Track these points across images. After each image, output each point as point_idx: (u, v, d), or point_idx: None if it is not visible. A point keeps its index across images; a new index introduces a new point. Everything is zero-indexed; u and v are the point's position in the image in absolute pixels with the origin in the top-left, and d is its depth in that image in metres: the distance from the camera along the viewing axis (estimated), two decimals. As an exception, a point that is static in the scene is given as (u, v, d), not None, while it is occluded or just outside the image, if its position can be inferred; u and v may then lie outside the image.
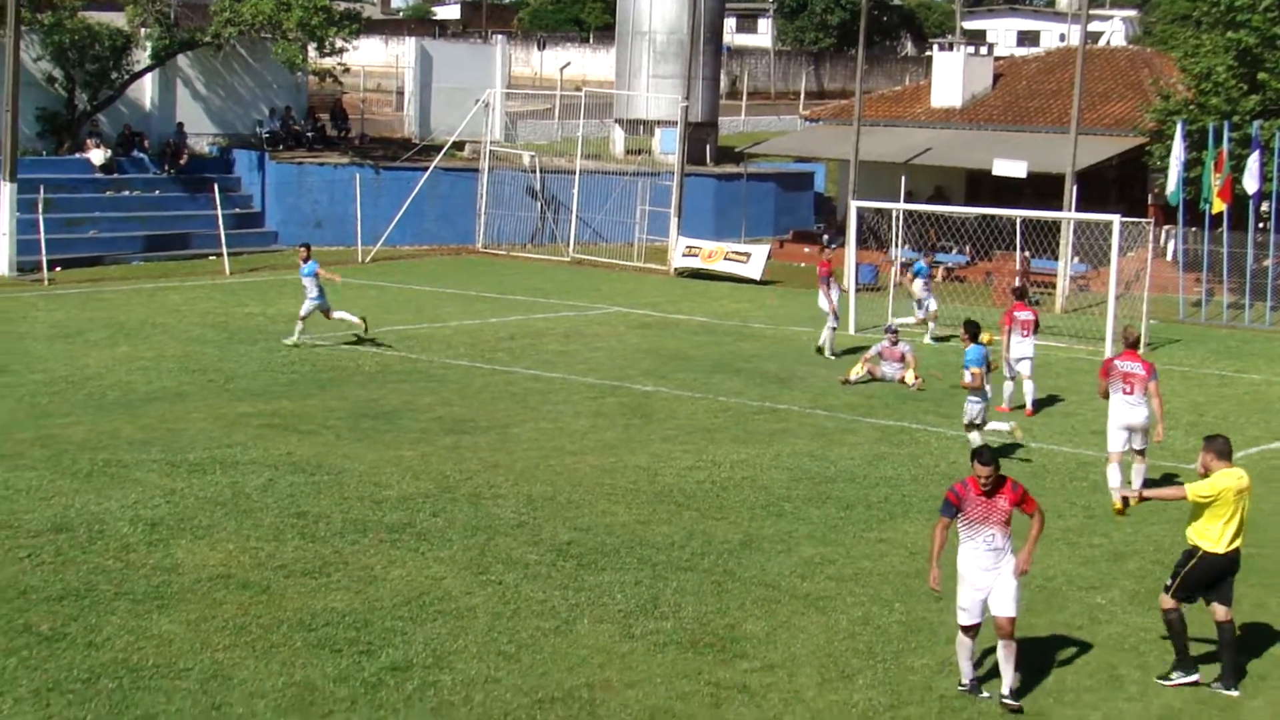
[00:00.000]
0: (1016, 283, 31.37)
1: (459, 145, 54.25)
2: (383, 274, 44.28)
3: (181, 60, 51.69)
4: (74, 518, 17.90)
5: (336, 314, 31.11)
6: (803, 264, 49.55)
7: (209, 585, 15.61)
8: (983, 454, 13.48)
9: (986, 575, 13.41)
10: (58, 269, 42.64)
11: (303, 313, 31.08)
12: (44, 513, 18.07)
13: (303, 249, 31.93)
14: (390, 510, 18.78)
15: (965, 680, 13.62)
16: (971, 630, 13.53)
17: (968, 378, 22.38)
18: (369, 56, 57.84)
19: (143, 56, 50.46)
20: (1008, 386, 26.91)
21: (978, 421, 22.49)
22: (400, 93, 61.89)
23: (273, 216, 50.95)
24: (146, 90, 51.68)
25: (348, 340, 31.46)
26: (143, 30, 50.02)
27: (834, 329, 32.42)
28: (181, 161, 50.34)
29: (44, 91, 48.95)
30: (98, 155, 48.80)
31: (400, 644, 14.17)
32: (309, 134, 53.76)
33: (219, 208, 46.06)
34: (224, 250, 45.42)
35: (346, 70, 53.25)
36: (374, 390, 26.37)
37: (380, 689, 13.12)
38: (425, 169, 51.49)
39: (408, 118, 58.17)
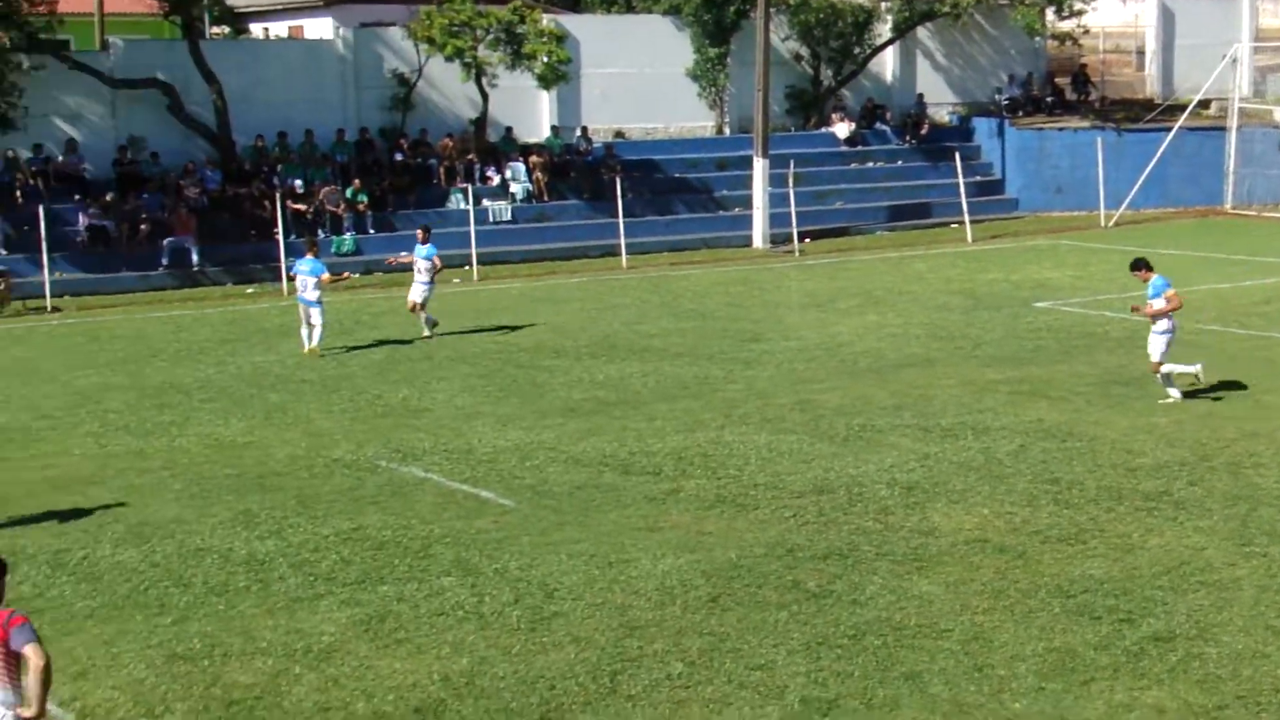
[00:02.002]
0: None
1: (1204, 103, 52.31)
2: (1125, 238, 43.36)
3: (921, 32, 52.42)
4: (834, 480, 18.56)
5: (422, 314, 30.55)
6: None
7: (966, 549, 15.81)
8: None
9: None
10: (807, 240, 44.27)
11: (417, 299, 30.65)
12: (805, 475, 18.83)
13: (420, 232, 31.49)
14: (1145, 478, 18.41)
15: None
16: None
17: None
18: (1106, 17, 56.68)
19: (883, 30, 51.56)
20: None
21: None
22: (1140, 52, 60.23)
23: (1012, 183, 50.89)
24: (888, 63, 52.75)
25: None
26: (883, 5, 51.13)
27: None
28: (922, 132, 51.13)
29: (791, 69, 50.90)
30: (842, 129, 50.28)
31: (1161, 614, 13.88)
32: (1048, 99, 53.31)
33: (960, 176, 46.48)
34: (965, 218, 45.78)
35: (1086, 32, 52.41)
36: (1123, 356, 25.89)
37: (1142, 658, 12.89)
38: (1169, 129, 49.95)
39: (1149, 77, 56.60)
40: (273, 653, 13.19)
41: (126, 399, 24.93)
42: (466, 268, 40.84)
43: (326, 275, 28.93)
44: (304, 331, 28.88)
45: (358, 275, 40.43)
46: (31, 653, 9.04)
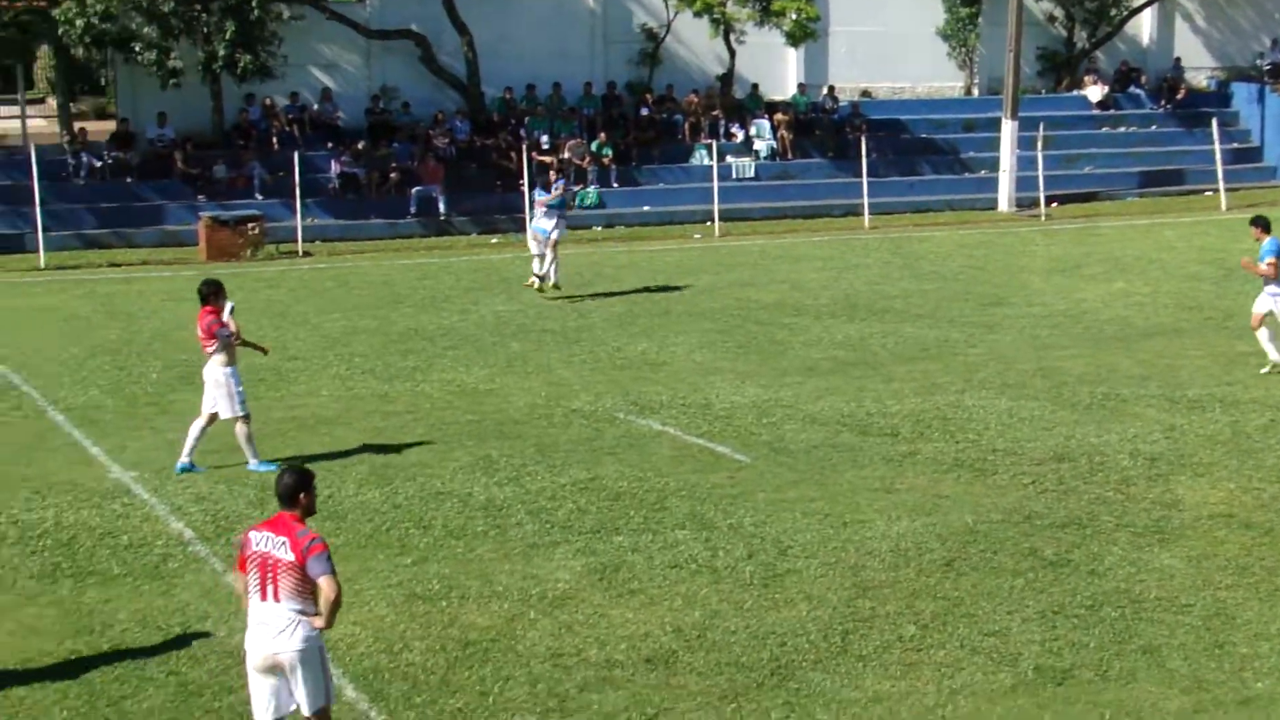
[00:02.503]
0: None
1: None
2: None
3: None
4: (1074, 448, 18.24)
5: None
6: None
7: (1209, 523, 15.42)
8: None
9: None
10: (1054, 204, 43.48)
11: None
12: (1046, 442, 18.54)
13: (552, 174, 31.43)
14: (1403, 459, 17.76)
15: None
16: None
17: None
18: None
19: (1145, -9, 50.34)
20: None
21: None
22: None
23: (1271, 151, 49.29)
24: (1144, 25, 51.48)
25: None
26: (1143, -35, 49.87)
27: None
28: (1178, 96, 49.80)
29: (1044, 30, 49.98)
30: (1095, 92, 49.23)
31: None
32: (1313, 64, 51.56)
33: (1216, 142, 45.15)
34: (1220, 185, 44.49)
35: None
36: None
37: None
38: None
39: None
40: (509, 597, 13.42)
41: (372, 343, 25.52)
42: (708, 224, 40.96)
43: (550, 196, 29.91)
44: (536, 264, 29.82)
45: (600, 229, 40.81)
46: (325, 585, 9.47)
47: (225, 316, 17.44)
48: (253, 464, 17.56)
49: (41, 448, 18.84)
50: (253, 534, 9.71)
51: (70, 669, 11.88)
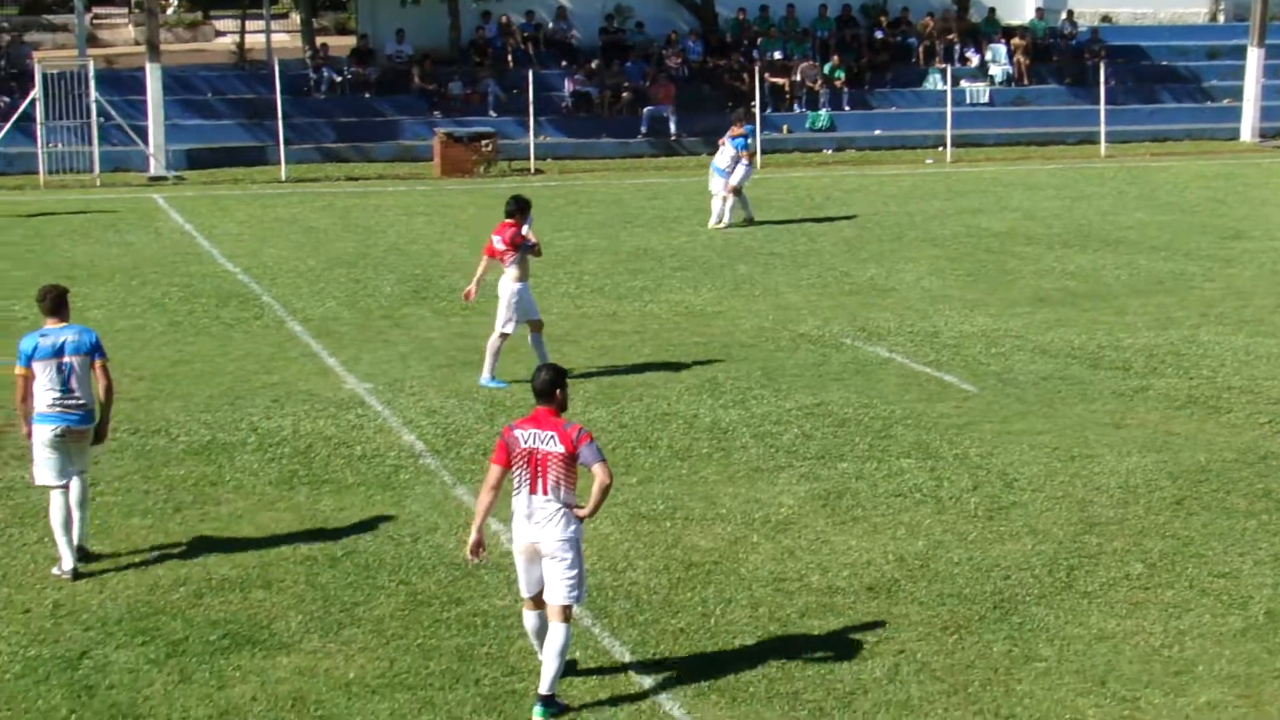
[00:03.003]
0: None
1: None
2: None
3: None
4: (1315, 389, 17.76)
5: None
6: None
7: None
8: None
9: None
10: (1295, 134, 42.14)
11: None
12: (1286, 381, 18.10)
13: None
14: None
15: None
16: None
17: None
18: None
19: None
20: None
21: None
22: None
23: None
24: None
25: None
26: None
27: None
28: None
29: (1297, -46, 48.16)
30: (1349, 18, 47.38)
31: None
32: None
33: None
34: None
35: None
36: None
37: None
38: None
39: None
40: (732, 520, 13.51)
41: (601, 262, 25.74)
42: (940, 149, 40.45)
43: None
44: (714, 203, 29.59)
45: (830, 151, 40.59)
46: (599, 470, 9.99)
47: (525, 231, 17.80)
48: (485, 378, 17.89)
49: (281, 357, 19.39)
50: (517, 431, 10.12)
51: (306, 573, 12.27)
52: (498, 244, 17.78)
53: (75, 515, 12.37)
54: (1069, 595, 11.87)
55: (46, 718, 9.94)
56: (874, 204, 31.79)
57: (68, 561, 12.22)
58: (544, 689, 9.99)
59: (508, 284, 17.83)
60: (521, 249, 17.70)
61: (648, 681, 10.45)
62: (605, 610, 11.58)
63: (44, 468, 12.43)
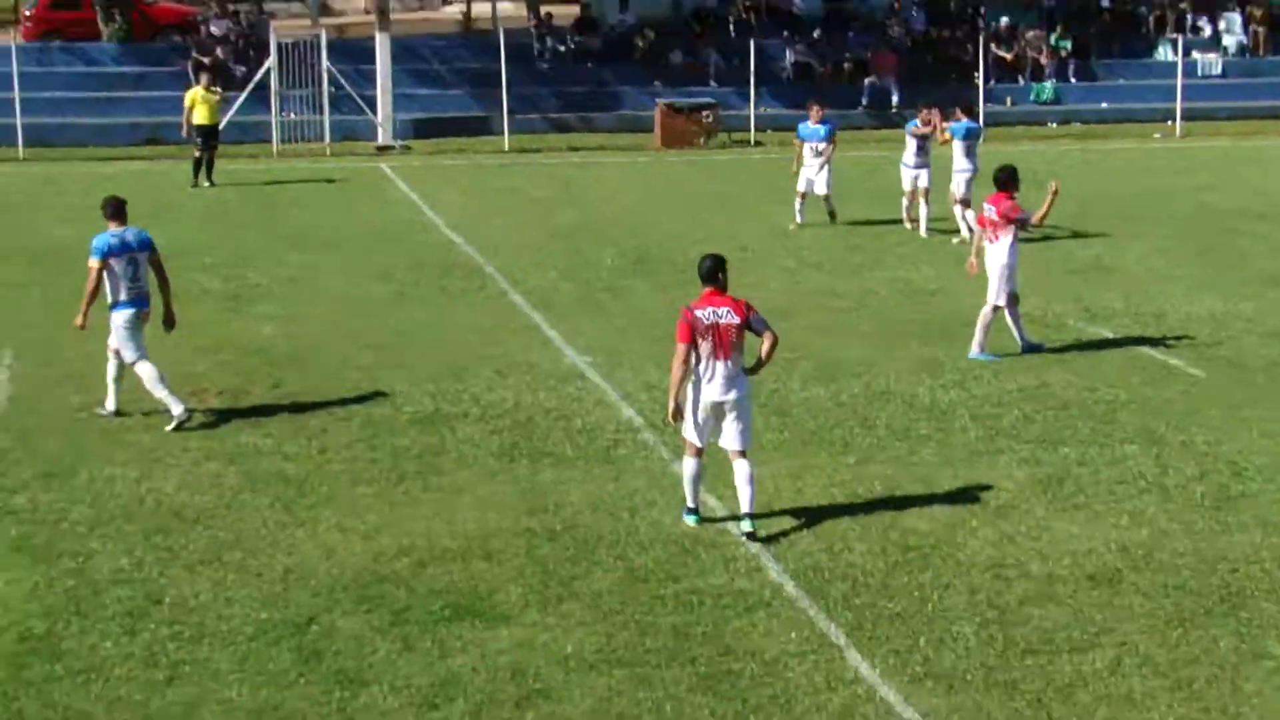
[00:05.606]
0: None
1: None
2: None
3: None
4: None
5: None
6: None
7: None
8: None
9: None
10: None
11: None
12: None
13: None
14: None
15: None
16: None
17: None
18: None
19: None
20: None
21: None
22: None
23: None
24: None
25: None
26: None
27: None
28: None
29: None
30: None
31: None
32: None
33: None
34: None
35: None
36: None
37: None
38: None
39: None
40: (950, 503, 13.39)
41: (819, 236, 25.63)
42: (1169, 123, 39.52)
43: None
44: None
45: (1055, 125, 39.93)
46: (768, 335, 12.40)
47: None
48: (975, 352, 17.97)
49: (503, 328, 19.66)
50: (698, 312, 12.30)
51: (525, 546, 12.43)
52: (991, 215, 17.89)
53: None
54: (1300, 591, 11.56)
55: (276, 679, 10.22)
56: (1099, 179, 31.18)
57: (179, 407, 15.13)
58: (748, 508, 12.42)
59: (999, 254, 17.87)
60: (1016, 223, 17.77)
61: (863, 666, 10.41)
62: (822, 591, 11.55)
63: (130, 345, 15.12)
